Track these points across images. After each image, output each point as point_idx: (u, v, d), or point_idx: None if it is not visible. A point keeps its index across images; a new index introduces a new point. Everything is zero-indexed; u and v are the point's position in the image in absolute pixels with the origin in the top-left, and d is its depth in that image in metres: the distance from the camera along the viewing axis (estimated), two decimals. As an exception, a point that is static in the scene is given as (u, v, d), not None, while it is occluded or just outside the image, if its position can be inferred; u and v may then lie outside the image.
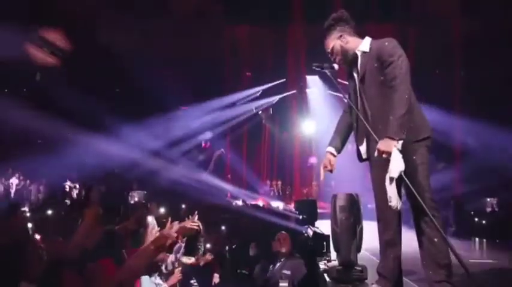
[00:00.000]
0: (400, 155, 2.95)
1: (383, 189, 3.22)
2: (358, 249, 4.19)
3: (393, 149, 2.95)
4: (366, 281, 3.90)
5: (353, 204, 4.19)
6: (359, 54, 3.32)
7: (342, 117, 3.66)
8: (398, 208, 3.05)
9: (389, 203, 2.99)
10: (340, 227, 4.14)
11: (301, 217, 9.13)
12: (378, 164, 3.27)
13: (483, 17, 14.42)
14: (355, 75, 3.39)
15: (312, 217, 8.71)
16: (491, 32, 14.22)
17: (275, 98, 22.03)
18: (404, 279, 3.58)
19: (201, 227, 3.95)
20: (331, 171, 3.51)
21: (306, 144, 21.90)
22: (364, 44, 3.33)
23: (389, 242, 3.32)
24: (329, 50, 3.42)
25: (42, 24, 12.41)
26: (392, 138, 2.97)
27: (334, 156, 3.54)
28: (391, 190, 2.96)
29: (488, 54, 14.13)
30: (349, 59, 3.36)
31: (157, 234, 3.60)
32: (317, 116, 21.32)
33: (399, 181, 2.99)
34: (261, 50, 20.07)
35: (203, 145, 21.63)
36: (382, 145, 2.99)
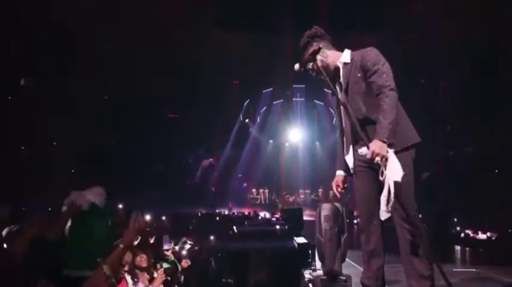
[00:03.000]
0: (395, 158, 2.94)
1: (367, 200, 3.25)
2: (343, 259, 4.20)
3: (389, 152, 2.94)
4: (350, 291, 3.92)
5: (337, 214, 4.21)
6: (340, 66, 3.34)
7: (340, 138, 3.62)
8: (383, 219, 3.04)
9: (385, 209, 2.96)
10: (324, 236, 4.14)
11: (286, 226, 9.12)
12: (362, 175, 3.29)
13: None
14: (337, 88, 3.39)
15: (298, 225, 8.70)
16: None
17: (262, 107, 22.14)
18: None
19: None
20: (344, 189, 3.52)
21: (293, 152, 21.96)
22: (345, 56, 3.35)
23: (373, 252, 3.34)
24: (309, 67, 3.39)
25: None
26: (384, 142, 2.96)
27: (344, 176, 3.55)
28: (390, 196, 2.92)
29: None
30: (331, 72, 3.35)
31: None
32: (303, 124, 21.48)
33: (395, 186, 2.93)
34: (248, 58, 20.12)
35: None
36: (376, 146, 2.95)
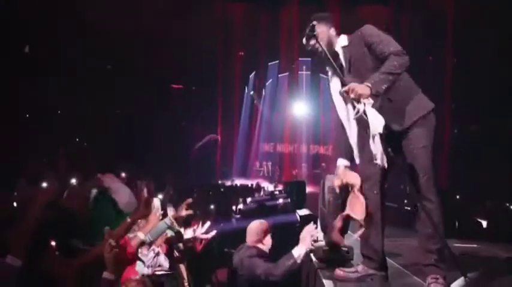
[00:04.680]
0: (374, 110, 2.90)
1: (368, 171, 3.24)
2: (345, 230, 4.22)
3: (367, 102, 2.90)
4: (352, 262, 3.94)
5: (342, 185, 4.20)
6: (340, 51, 3.30)
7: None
8: (385, 165, 3.00)
9: (375, 161, 2.94)
10: (327, 208, 4.14)
11: (289, 199, 9.17)
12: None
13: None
14: (333, 72, 3.34)
15: (300, 198, 8.74)
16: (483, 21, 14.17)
17: (268, 80, 22.05)
18: (389, 261, 3.62)
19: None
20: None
21: (297, 126, 21.95)
22: (342, 40, 3.32)
23: (373, 223, 3.35)
24: (315, 48, 3.30)
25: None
26: (368, 86, 2.91)
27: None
28: (376, 147, 2.91)
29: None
30: (331, 53, 3.25)
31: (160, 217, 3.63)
32: (308, 98, 21.41)
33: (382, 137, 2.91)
34: (255, 30, 19.95)
35: None
36: (357, 85, 2.92)
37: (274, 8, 19.32)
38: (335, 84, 3.37)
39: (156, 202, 3.71)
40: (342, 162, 3.48)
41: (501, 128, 13.81)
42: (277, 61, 21.63)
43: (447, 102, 15.87)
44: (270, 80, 22.17)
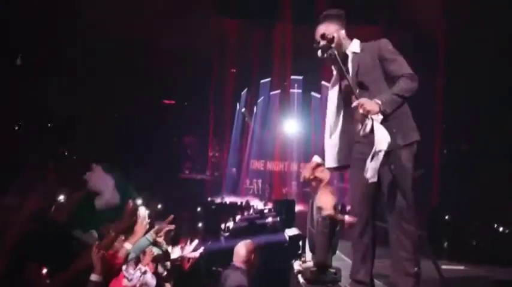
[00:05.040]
0: (382, 126, 2.89)
1: (362, 191, 3.23)
2: (334, 251, 4.20)
3: (375, 119, 2.89)
4: (340, 283, 3.91)
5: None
6: (350, 54, 3.30)
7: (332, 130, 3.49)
8: (375, 180, 2.98)
9: (365, 174, 2.93)
10: (316, 228, 4.13)
11: (278, 218, 9.11)
12: (357, 164, 3.26)
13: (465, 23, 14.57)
14: (341, 75, 3.32)
15: (289, 217, 8.70)
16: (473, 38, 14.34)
17: (260, 97, 22.13)
18: (377, 283, 3.60)
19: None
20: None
21: (287, 143, 21.96)
22: (354, 45, 3.32)
23: (363, 245, 3.32)
24: (324, 35, 3.26)
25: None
26: (377, 103, 2.92)
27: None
28: (376, 163, 2.90)
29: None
30: (340, 55, 3.22)
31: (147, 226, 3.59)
32: (300, 116, 21.50)
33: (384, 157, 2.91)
34: (248, 47, 20.06)
35: None
36: (367, 100, 2.92)
37: (267, 26, 19.45)
38: (335, 85, 3.39)
39: (142, 211, 3.67)
40: (317, 159, 3.65)
41: (492, 147, 13.92)
42: (269, 79, 21.74)
43: (438, 121, 16.00)
44: (262, 98, 22.25)
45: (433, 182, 15.09)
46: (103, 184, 3.86)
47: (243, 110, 22.15)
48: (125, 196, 3.87)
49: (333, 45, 3.19)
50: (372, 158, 2.92)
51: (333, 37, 3.23)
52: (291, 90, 21.77)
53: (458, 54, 14.89)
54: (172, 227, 4.00)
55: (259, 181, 22.08)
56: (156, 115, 18.56)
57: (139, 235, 3.45)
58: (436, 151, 15.85)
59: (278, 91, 21.95)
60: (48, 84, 13.35)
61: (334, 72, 3.43)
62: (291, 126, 21.79)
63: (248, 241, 4.57)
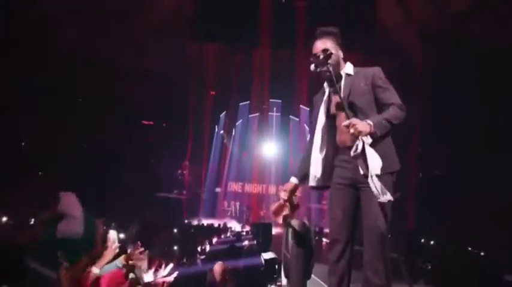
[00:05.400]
0: (372, 150, 2.95)
1: (339, 212, 3.25)
2: (308, 275, 4.19)
3: (366, 141, 2.95)
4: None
5: (305, 230, 4.20)
6: (343, 76, 3.36)
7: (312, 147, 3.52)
8: (391, 199, 3.01)
9: (378, 198, 2.97)
10: (291, 252, 4.12)
11: (255, 241, 9.10)
12: (337, 187, 3.29)
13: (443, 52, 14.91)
14: (331, 93, 3.37)
15: (266, 240, 8.70)
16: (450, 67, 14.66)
17: (238, 120, 22.21)
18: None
19: (145, 257, 3.91)
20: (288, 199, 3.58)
21: (265, 166, 21.98)
22: (348, 68, 3.40)
23: (339, 270, 3.33)
24: (323, 49, 3.30)
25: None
26: (370, 126, 2.97)
27: (295, 185, 3.64)
28: (376, 185, 2.94)
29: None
30: (334, 74, 3.26)
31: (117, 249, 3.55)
32: (278, 139, 21.62)
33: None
34: (227, 70, 20.18)
35: None
36: (358, 121, 2.97)
37: (246, 49, 19.62)
38: (321, 103, 3.42)
39: (113, 234, 3.62)
40: (294, 180, 3.62)
41: (467, 172, 14.14)
42: (248, 102, 21.86)
43: (414, 146, 16.22)
44: (241, 120, 22.34)
45: (408, 206, 15.21)
46: (72, 210, 3.79)
47: (222, 132, 22.18)
48: (90, 229, 3.78)
49: (330, 61, 3.24)
50: (372, 184, 2.96)
51: (331, 54, 3.28)
52: (270, 113, 21.92)
53: (436, 80, 15.21)
54: (143, 253, 3.96)
55: (237, 203, 21.98)
56: (134, 135, 18.44)
57: (107, 259, 3.40)
58: (412, 175, 16.02)
59: (257, 114, 22.07)
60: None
61: (326, 91, 3.43)
62: (269, 149, 21.87)
63: (220, 262, 4.55)
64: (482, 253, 12.16)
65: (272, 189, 21.71)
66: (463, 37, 14.31)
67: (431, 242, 13.54)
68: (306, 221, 4.30)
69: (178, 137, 20.07)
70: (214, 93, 21.22)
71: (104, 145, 16.85)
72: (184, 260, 7.88)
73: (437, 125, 15.25)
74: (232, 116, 22.28)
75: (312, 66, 3.29)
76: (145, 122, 20.18)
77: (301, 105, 21.19)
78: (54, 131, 14.37)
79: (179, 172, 20.87)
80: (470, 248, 12.44)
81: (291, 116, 22.04)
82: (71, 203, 3.79)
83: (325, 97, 3.42)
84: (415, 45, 16.33)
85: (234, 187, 22.29)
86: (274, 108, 21.83)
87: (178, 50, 17.33)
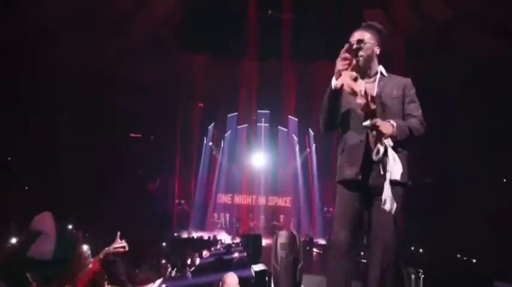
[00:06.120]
0: (395, 154, 2.88)
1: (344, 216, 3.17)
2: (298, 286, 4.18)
3: (388, 144, 2.88)
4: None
5: (294, 242, 4.20)
6: (379, 74, 3.26)
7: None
8: (393, 212, 2.88)
9: (383, 206, 2.86)
10: (280, 264, 4.12)
11: (245, 253, 9.02)
12: (347, 186, 3.17)
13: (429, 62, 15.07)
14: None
15: (256, 252, 8.63)
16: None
17: (227, 131, 22.22)
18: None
19: (126, 247, 3.80)
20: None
21: (255, 177, 21.96)
22: (382, 68, 3.29)
23: (341, 277, 3.28)
24: (359, 39, 3.20)
25: None
26: (392, 128, 2.90)
27: None
28: (388, 192, 2.86)
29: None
30: (367, 68, 3.22)
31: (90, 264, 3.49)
32: (267, 150, 21.64)
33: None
34: (215, 82, 20.21)
35: None
36: (382, 122, 2.87)
37: (234, 61, 19.68)
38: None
39: (85, 249, 3.56)
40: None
41: (456, 180, 14.24)
42: (236, 113, 21.89)
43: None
44: (229, 132, 22.35)
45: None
46: (45, 229, 3.71)
47: (210, 144, 22.15)
48: (66, 248, 3.70)
49: (361, 52, 3.15)
50: (386, 189, 2.87)
51: (365, 45, 3.19)
52: (258, 124, 21.96)
53: (424, 92, 15.34)
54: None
55: (227, 215, 21.92)
56: (122, 148, 18.36)
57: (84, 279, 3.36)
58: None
59: (245, 125, 22.10)
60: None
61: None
62: (258, 160, 21.87)
63: (232, 273, 4.53)
64: (474, 260, 12.22)
65: (262, 200, 21.70)
66: (447, 46, 14.49)
67: (421, 250, 13.59)
68: (295, 232, 4.30)
69: (166, 150, 19.99)
70: (202, 105, 21.23)
71: (92, 157, 16.74)
72: (173, 273, 7.80)
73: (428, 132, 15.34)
74: (220, 128, 22.28)
75: (343, 51, 3.09)
76: (133, 135, 20.09)
77: (289, 116, 21.27)
78: (41, 145, 14.29)
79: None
80: (459, 255, 12.51)
81: (279, 127, 22.09)
82: (43, 221, 3.72)
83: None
84: (401, 54, 16.51)
85: (224, 198, 22.23)
86: (263, 119, 21.88)
87: (166, 62, 17.32)
